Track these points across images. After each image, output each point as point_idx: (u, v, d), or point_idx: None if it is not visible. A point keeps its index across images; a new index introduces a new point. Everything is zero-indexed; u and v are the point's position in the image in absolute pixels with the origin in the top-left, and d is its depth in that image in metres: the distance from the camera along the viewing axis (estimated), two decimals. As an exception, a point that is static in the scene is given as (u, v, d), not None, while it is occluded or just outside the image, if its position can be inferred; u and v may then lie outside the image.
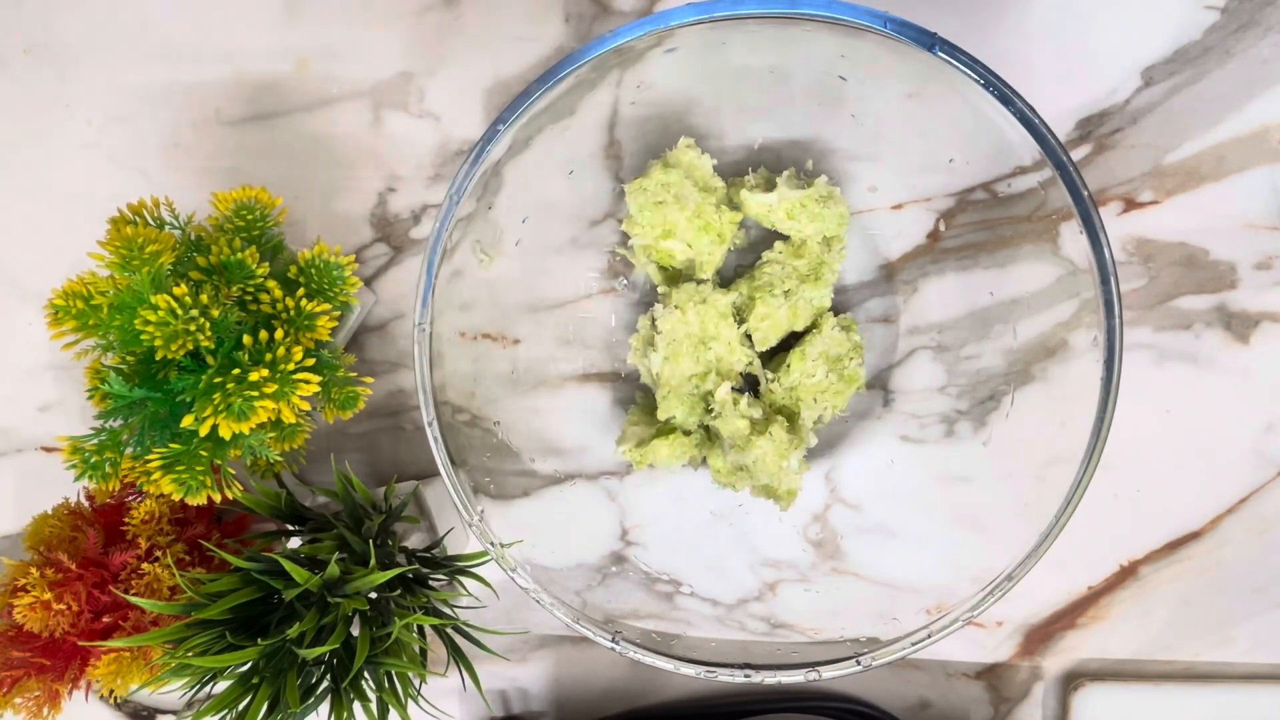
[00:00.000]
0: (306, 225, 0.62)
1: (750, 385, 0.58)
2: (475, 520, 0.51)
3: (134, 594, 0.51)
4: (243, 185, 0.51)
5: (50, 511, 0.54)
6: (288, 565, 0.45)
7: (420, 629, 0.50)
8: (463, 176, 0.48)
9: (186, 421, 0.45)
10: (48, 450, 0.65)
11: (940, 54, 0.45)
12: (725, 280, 0.58)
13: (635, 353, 0.57)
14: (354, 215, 0.61)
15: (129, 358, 0.48)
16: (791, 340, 0.56)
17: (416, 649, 0.48)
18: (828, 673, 0.50)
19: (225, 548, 0.50)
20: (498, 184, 0.51)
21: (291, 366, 0.46)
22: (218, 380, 0.45)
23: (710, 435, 0.57)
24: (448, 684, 0.52)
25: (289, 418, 0.47)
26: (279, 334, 0.47)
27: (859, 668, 0.49)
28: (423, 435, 0.52)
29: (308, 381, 0.47)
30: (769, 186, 0.54)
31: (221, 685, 0.46)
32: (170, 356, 0.46)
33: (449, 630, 0.50)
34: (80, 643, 0.51)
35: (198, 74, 0.61)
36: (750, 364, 0.56)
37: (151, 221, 0.50)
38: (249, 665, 0.46)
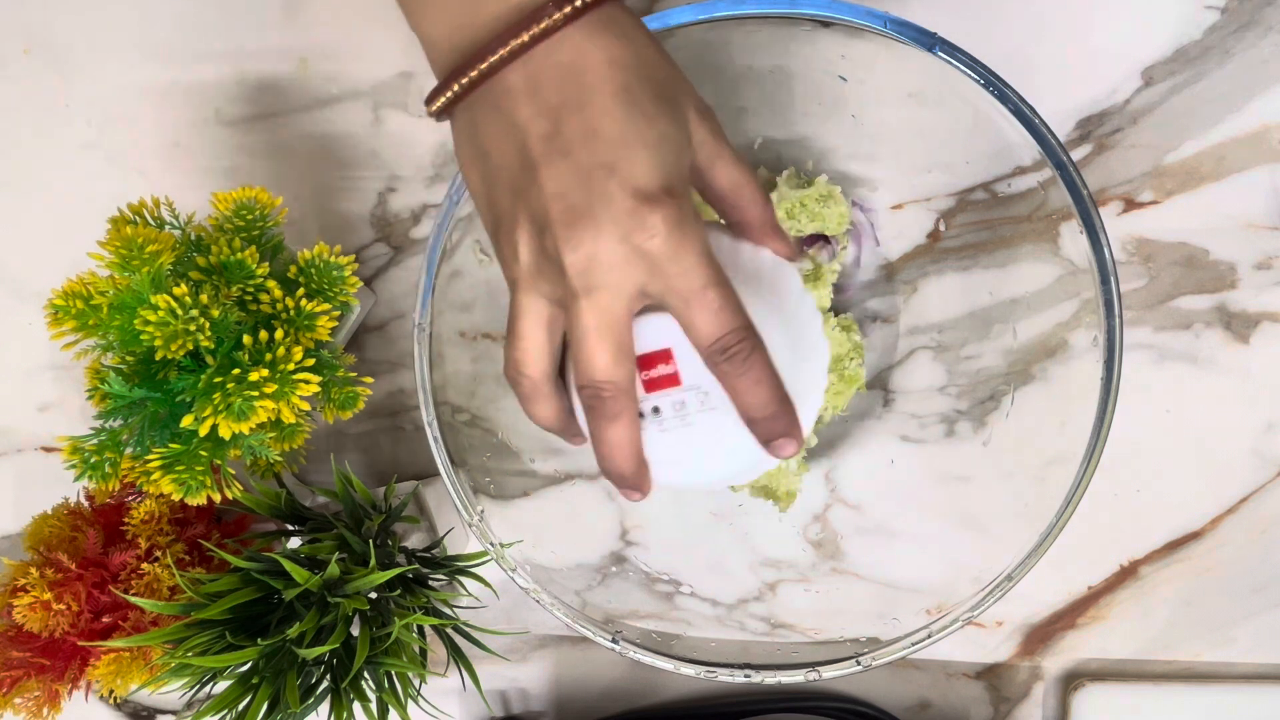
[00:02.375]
0: (306, 225, 0.61)
1: (750, 385, 0.58)
2: (475, 520, 0.51)
3: (134, 594, 0.50)
4: (243, 185, 0.51)
5: (50, 511, 0.54)
6: (288, 565, 0.45)
7: (420, 629, 0.50)
8: (463, 176, 0.48)
9: (186, 421, 0.45)
10: (48, 450, 0.65)
11: (940, 54, 0.45)
12: (725, 280, 0.58)
13: (635, 353, 0.57)
14: (354, 215, 0.61)
15: (129, 358, 0.48)
16: (791, 340, 0.56)
17: (416, 649, 0.48)
18: (828, 673, 0.50)
19: (225, 548, 0.50)
20: (498, 184, 0.51)
21: (291, 366, 0.46)
22: (218, 380, 0.45)
23: (710, 435, 0.57)
24: (448, 684, 0.52)
25: (289, 418, 0.47)
26: (279, 334, 0.47)
27: (859, 668, 0.49)
28: (423, 435, 0.52)
29: (308, 381, 0.47)
30: (769, 186, 0.54)
31: (221, 685, 0.46)
32: (170, 356, 0.46)
33: (449, 630, 0.50)
34: (80, 643, 0.51)
35: (198, 74, 0.61)
36: (750, 364, 0.56)
37: (151, 221, 0.50)
38: (249, 665, 0.46)
